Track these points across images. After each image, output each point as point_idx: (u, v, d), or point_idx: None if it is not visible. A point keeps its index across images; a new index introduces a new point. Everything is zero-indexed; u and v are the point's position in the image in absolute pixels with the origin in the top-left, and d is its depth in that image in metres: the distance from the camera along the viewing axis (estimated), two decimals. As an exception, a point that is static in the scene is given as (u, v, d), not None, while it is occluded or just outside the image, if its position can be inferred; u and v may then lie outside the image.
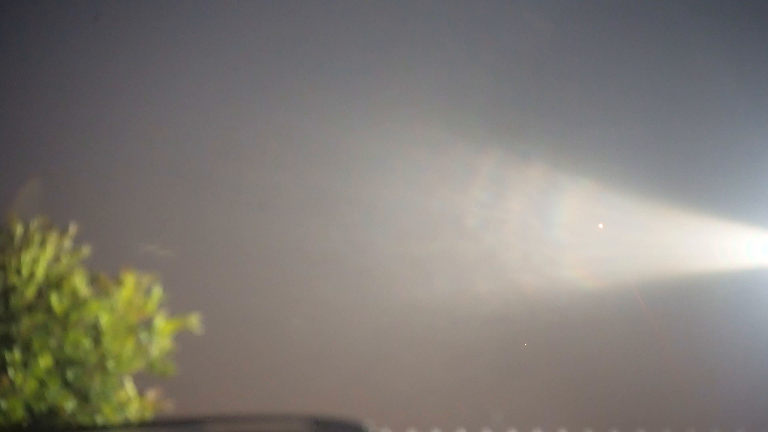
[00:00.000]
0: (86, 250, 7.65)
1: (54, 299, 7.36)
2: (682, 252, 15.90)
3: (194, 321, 7.57)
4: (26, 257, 7.49)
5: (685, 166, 15.75)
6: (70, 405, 7.22)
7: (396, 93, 14.65)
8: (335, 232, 14.15)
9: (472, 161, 15.20)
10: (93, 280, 7.53)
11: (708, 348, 15.36)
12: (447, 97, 14.93)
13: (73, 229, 7.68)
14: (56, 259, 7.57)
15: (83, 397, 7.28)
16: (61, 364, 7.27)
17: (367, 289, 13.99)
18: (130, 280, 7.50)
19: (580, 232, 15.81)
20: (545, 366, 15.01)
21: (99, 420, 7.25)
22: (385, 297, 14.07)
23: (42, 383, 7.18)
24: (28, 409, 7.13)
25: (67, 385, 7.25)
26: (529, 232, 15.55)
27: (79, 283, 7.45)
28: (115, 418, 7.29)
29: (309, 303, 13.28)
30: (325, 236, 13.92)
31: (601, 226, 15.75)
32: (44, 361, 7.18)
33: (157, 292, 7.55)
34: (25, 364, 7.19)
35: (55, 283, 7.46)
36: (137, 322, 7.50)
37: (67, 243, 7.64)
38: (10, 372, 7.14)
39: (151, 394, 7.54)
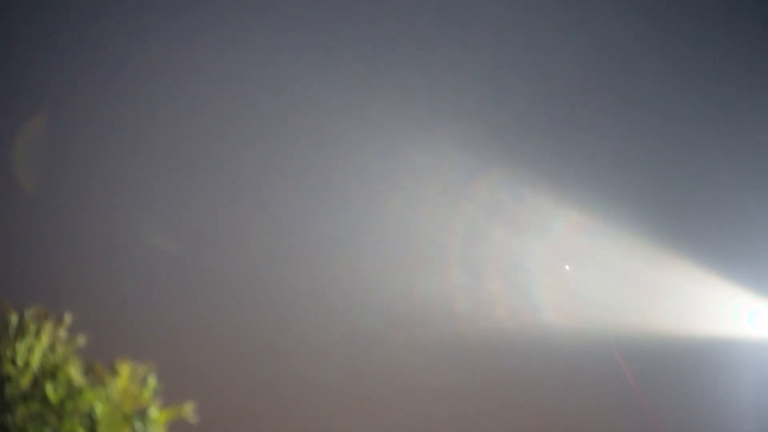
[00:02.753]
0: (81, 340, 7.69)
1: (49, 388, 7.38)
2: (670, 313, 15.96)
3: (188, 410, 7.61)
4: (21, 347, 7.52)
5: (684, 228, 15.85)
6: (65, 496, 7.23)
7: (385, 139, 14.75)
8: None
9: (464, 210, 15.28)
10: (88, 370, 7.56)
11: (688, 415, 15.39)
12: (429, 149, 15.03)
13: (68, 318, 7.73)
14: (52, 348, 7.60)
15: (78, 488, 7.28)
16: (57, 454, 7.28)
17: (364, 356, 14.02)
18: (125, 369, 7.53)
19: (567, 291, 15.87)
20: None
21: None
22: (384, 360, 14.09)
23: (37, 474, 7.19)
24: (24, 500, 7.14)
25: (62, 475, 7.26)
26: (507, 290, 15.60)
27: (75, 372, 7.48)
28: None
29: (303, 387, 13.31)
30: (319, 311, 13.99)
31: (567, 267, 15.80)
32: (40, 452, 7.20)
33: (152, 381, 7.59)
34: (21, 455, 7.20)
35: (50, 372, 7.48)
36: (132, 412, 7.53)
37: (63, 332, 7.68)
38: (6, 463, 7.16)
39: (147, 485, 7.55)
